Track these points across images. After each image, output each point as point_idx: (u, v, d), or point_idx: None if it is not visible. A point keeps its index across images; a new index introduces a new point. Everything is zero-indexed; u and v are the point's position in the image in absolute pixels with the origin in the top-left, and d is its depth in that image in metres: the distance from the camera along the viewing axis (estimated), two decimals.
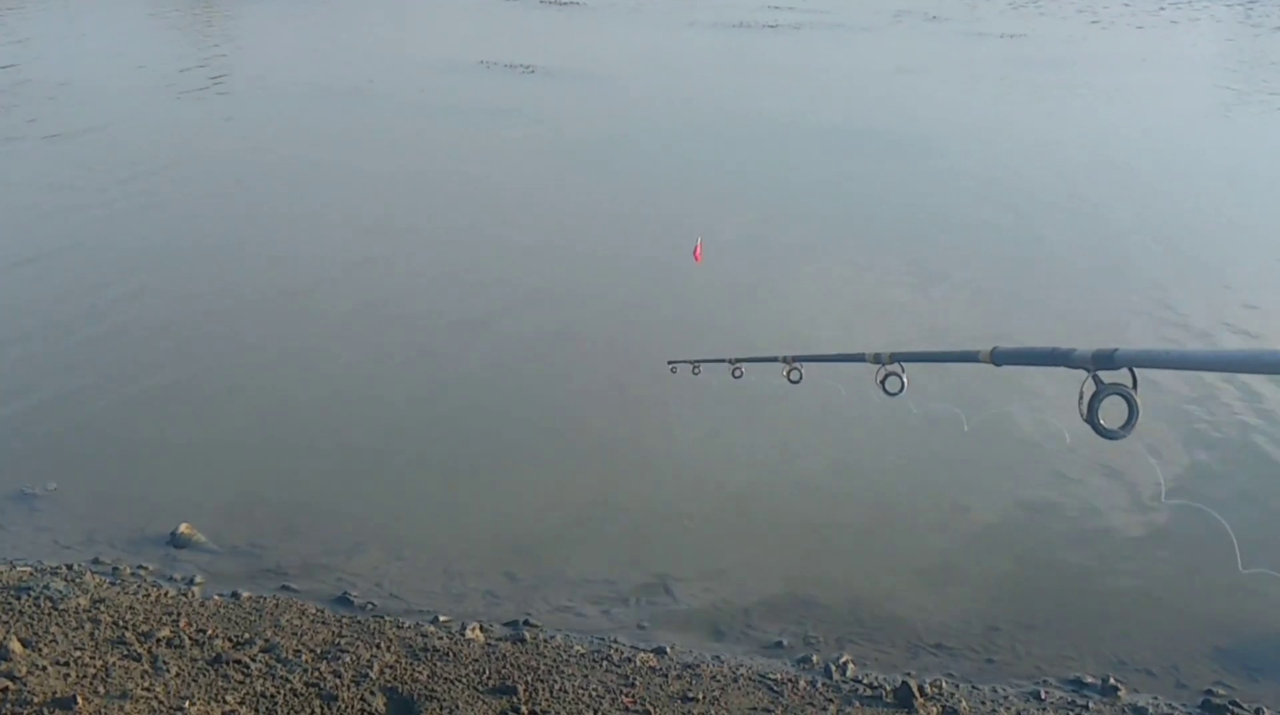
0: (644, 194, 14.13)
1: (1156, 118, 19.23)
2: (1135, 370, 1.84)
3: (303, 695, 4.58)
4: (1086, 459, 7.18)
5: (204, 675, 4.69)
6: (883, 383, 2.99)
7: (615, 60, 24.89)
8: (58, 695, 4.43)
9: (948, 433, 7.35)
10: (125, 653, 4.84)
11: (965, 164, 15.54)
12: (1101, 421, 1.85)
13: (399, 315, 9.80)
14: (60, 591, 5.39)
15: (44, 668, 4.65)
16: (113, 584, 5.62)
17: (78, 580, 5.59)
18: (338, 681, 4.69)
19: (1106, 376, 1.85)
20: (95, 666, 4.70)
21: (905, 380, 2.97)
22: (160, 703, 4.46)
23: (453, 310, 9.92)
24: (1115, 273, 11.03)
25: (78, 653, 4.80)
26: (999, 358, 2.30)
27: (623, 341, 9.23)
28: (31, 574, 5.63)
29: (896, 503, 6.92)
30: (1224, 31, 30.79)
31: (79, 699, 4.39)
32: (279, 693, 4.58)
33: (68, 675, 4.61)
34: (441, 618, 5.46)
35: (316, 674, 4.74)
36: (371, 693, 4.63)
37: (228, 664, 4.78)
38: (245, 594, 5.61)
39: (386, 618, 5.43)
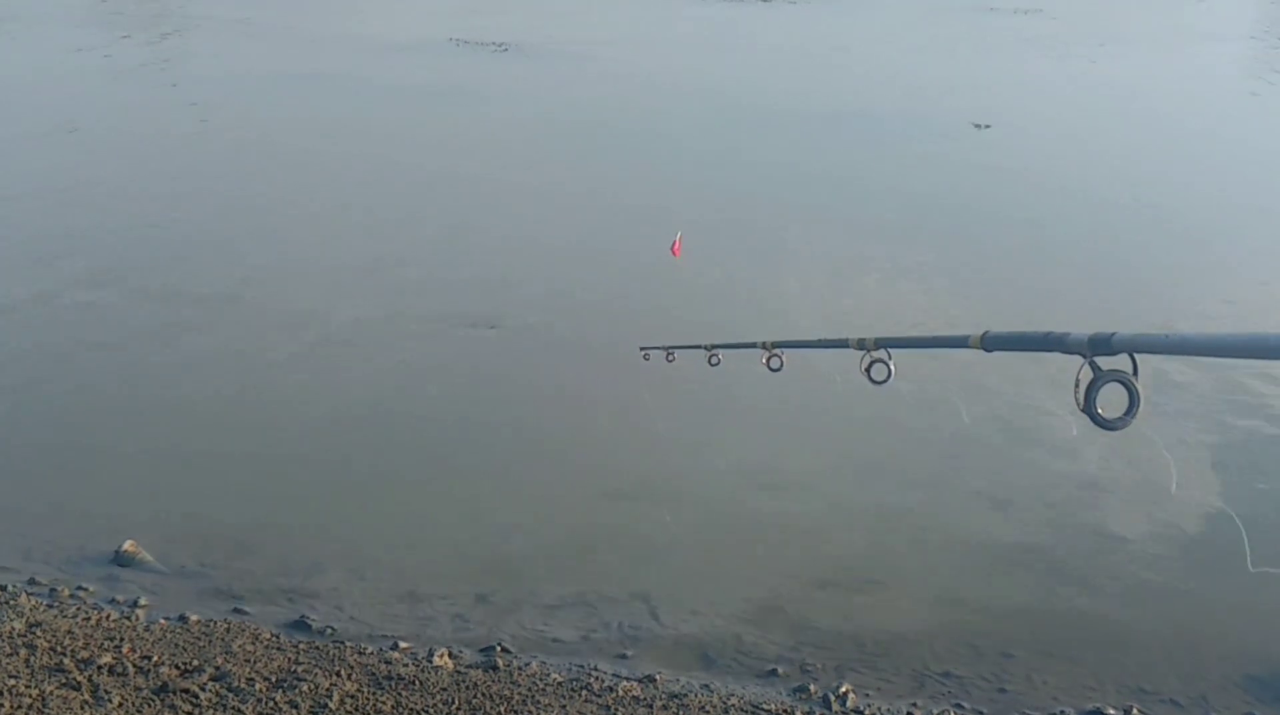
0: (616, 181, 14.22)
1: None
2: (1135, 356, 1.83)
3: None
4: (1105, 470, 7.22)
5: (149, 706, 4.68)
6: (868, 370, 2.96)
7: (594, 38, 24.91)
8: None
9: (950, 436, 7.40)
10: (64, 681, 4.83)
11: (962, 151, 15.64)
12: (1100, 411, 1.83)
13: (359, 320, 9.77)
14: None
15: None
16: (50, 606, 5.60)
17: (12, 603, 5.57)
18: (294, 712, 4.69)
19: (1105, 363, 1.84)
20: (31, 696, 4.68)
21: (892, 367, 2.94)
22: None
23: (416, 315, 9.89)
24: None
25: (12, 681, 4.79)
26: (989, 343, 2.29)
27: (597, 338, 9.23)
28: None
29: (899, 516, 6.93)
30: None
31: None
32: None
33: (1, 705, 4.59)
34: (405, 644, 5.46)
35: (271, 704, 4.74)
36: None
37: (175, 693, 4.78)
38: (194, 617, 5.59)
39: (347, 643, 5.42)
